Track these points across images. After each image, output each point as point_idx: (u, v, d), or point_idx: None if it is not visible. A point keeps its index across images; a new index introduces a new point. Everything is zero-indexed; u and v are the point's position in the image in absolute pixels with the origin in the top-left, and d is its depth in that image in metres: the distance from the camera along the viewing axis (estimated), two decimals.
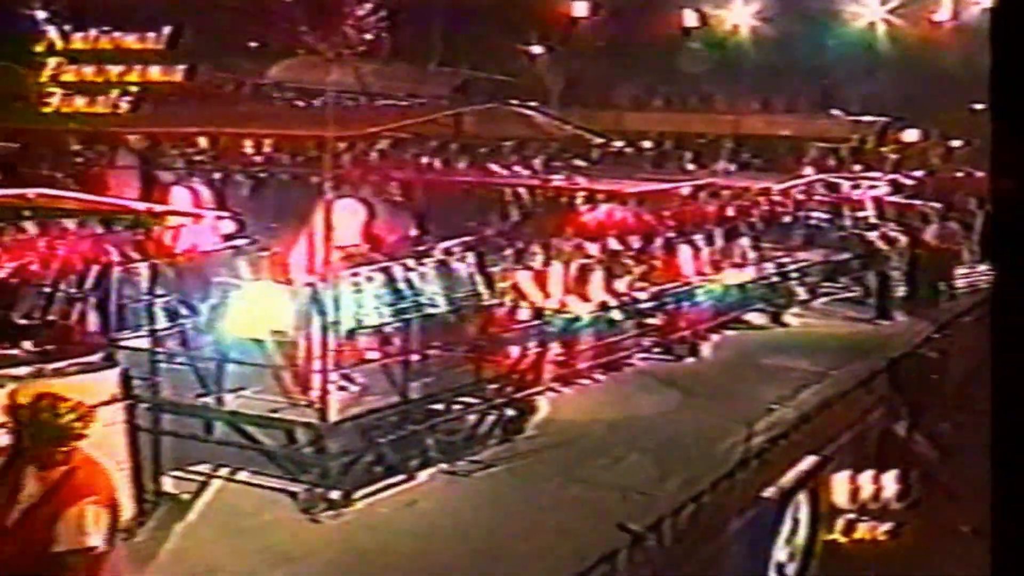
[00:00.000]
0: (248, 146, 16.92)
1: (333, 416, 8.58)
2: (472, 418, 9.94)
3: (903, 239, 17.60)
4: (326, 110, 9.28)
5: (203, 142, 15.71)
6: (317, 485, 8.45)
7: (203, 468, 8.62)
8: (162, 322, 9.26)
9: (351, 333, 9.09)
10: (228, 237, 10.89)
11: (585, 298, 12.45)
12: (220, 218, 10.95)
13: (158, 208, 9.64)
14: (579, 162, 19.61)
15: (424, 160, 18.23)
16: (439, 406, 9.57)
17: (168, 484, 8.35)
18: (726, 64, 28.32)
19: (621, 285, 13.07)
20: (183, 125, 13.14)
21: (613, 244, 13.97)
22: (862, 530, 10.42)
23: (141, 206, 9.52)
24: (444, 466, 9.26)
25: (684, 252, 14.50)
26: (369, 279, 9.30)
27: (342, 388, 8.96)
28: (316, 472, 8.56)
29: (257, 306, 8.99)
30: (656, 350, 13.38)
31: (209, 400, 8.78)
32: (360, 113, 15.49)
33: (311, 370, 8.74)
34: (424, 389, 9.27)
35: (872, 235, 17.83)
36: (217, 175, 14.43)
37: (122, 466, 7.74)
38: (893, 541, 10.43)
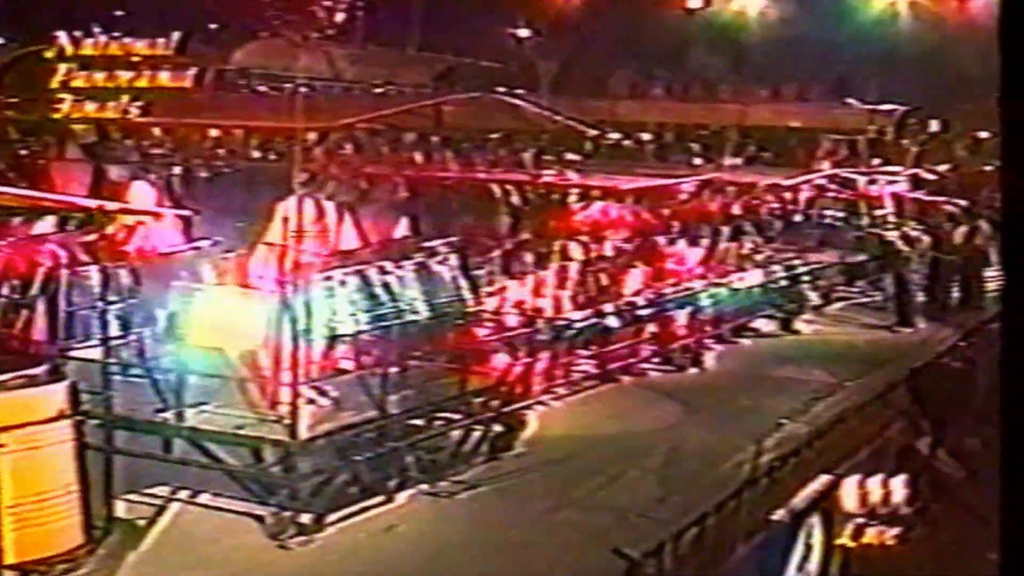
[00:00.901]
0: (210, 138, 16.96)
1: (304, 433, 8.59)
2: (456, 434, 9.98)
3: (925, 239, 17.71)
4: (295, 99, 9.33)
5: (157, 132, 15.73)
6: (286, 508, 8.47)
7: (160, 490, 8.64)
8: (116, 331, 9.27)
9: (324, 342, 9.12)
10: (189, 238, 10.91)
11: (578, 304, 12.50)
12: (179, 217, 10.97)
13: (111, 206, 9.66)
14: (571, 156, 19.67)
15: (402, 154, 18.26)
16: (420, 421, 9.60)
17: (121, 508, 8.36)
18: (732, 49, 28.44)
19: (617, 290, 13.14)
20: (139, 115, 13.19)
21: (609, 245, 14.03)
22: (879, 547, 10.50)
23: (92, 203, 9.54)
24: (425, 487, 9.29)
25: (686, 254, 14.57)
26: (343, 283, 9.34)
27: (313, 402, 8.99)
28: (285, 494, 8.58)
29: (221, 313, 9.02)
30: (656, 360, 13.44)
31: (168, 416, 8.78)
32: (332, 103, 15.54)
33: (280, 382, 8.77)
34: (403, 403, 9.30)
35: (891, 235, 17.93)
36: (177, 170, 14.46)
37: (70, 489, 7.77)
38: (913, 567, 10.50)
